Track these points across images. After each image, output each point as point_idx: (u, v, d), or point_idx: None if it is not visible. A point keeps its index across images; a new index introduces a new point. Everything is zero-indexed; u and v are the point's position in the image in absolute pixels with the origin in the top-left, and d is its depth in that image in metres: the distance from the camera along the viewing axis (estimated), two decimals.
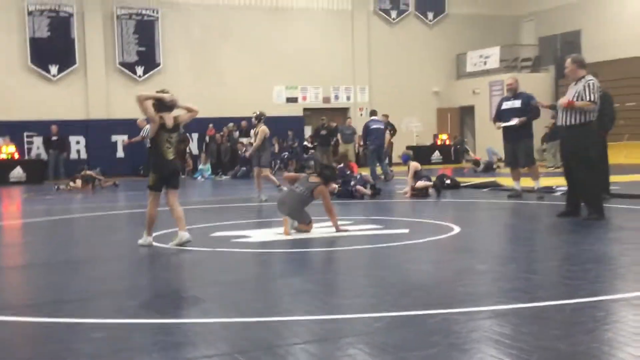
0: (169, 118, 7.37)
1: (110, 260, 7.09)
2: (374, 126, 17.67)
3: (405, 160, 13.92)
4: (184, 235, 7.38)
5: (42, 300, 5.13)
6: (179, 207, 7.55)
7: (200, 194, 17.18)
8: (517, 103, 11.71)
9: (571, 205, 8.84)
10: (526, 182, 12.04)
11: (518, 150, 11.65)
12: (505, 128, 11.76)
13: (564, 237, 7.73)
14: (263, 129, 13.06)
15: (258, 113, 13.38)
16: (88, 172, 19.24)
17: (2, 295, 5.58)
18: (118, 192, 18.02)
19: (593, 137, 8.54)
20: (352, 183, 13.15)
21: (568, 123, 8.54)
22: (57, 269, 6.54)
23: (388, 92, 27.78)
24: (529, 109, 11.66)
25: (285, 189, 12.49)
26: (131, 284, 5.71)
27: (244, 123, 22.95)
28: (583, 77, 8.58)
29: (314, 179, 8.51)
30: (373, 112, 18.64)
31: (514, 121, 11.54)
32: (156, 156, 7.44)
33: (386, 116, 20.78)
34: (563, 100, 8.53)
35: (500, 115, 11.94)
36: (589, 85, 8.43)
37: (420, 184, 13.05)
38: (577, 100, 8.42)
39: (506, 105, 11.90)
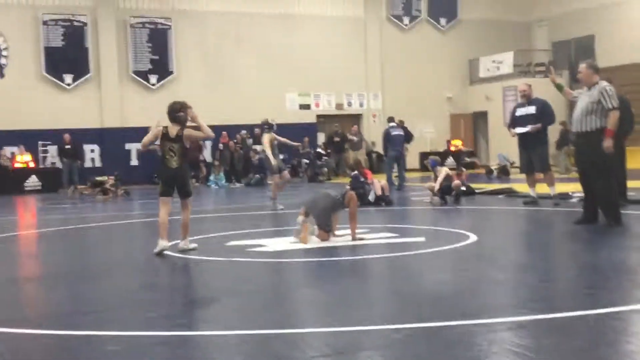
0: (172, 128, 7.74)
1: (126, 271, 7.09)
2: (395, 132, 17.65)
3: (434, 165, 13.83)
4: (181, 243, 7.81)
5: (59, 312, 5.12)
6: (184, 216, 7.85)
7: (215, 202, 17.19)
8: (531, 109, 11.65)
9: (588, 212, 8.75)
10: (542, 189, 11.95)
11: (533, 157, 11.58)
12: (520, 135, 11.70)
13: (582, 245, 7.66)
14: (265, 137, 13.05)
15: (261, 122, 13.43)
16: (111, 180, 19.35)
17: (18, 307, 5.58)
18: (134, 200, 18.07)
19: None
20: (369, 188, 13.17)
21: (584, 129, 8.46)
22: (73, 279, 6.54)
23: (401, 98, 27.73)
24: (544, 116, 11.61)
25: (277, 204, 12.50)
26: (148, 295, 5.69)
27: (257, 130, 22.97)
28: (597, 83, 8.51)
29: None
30: (391, 119, 18.54)
31: (527, 128, 11.48)
32: (160, 164, 7.92)
33: (401, 122, 20.75)
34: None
35: (515, 122, 11.87)
36: (606, 91, 8.35)
37: (456, 183, 12.99)
38: (594, 105, 8.35)
39: (520, 111, 11.84)
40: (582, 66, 8.71)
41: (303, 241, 8.07)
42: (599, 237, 7.91)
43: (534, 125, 11.46)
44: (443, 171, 13.24)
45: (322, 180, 23.21)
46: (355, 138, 25.43)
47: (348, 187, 8.49)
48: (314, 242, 8.14)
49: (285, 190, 13.60)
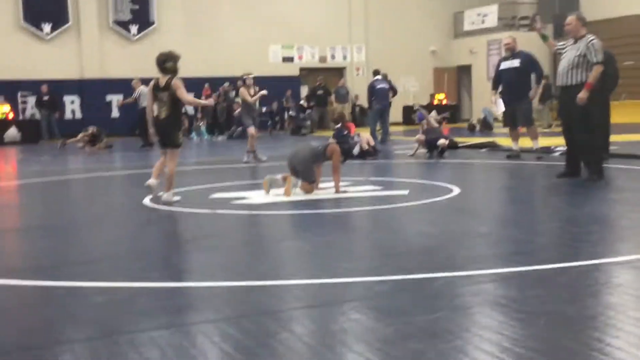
0: (162, 78, 7.82)
1: (110, 223, 7.06)
2: (380, 86, 17.48)
3: (421, 118, 13.86)
4: (164, 195, 7.81)
5: (42, 263, 5.09)
6: (169, 167, 7.88)
7: (198, 154, 17.09)
8: (515, 62, 11.63)
9: (571, 166, 8.79)
10: (524, 143, 11.99)
11: (517, 111, 11.59)
12: (504, 89, 11.73)
13: (565, 199, 7.71)
14: (241, 90, 13.29)
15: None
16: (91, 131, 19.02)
17: (1, 258, 5.54)
18: (115, 153, 17.93)
19: (595, 98, 8.43)
20: (354, 141, 13.15)
21: (569, 83, 8.44)
22: (56, 231, 6.50)
23: (385, 51, 27.52)
24: (530, 68, 11.63)
25: (253, 158, 12.57)
26: (132, 247, 5.67)
27: (239, 83, 22.77)
28: (584, 36, 8.46)
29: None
30: (377, 72, 18.27)
31: (500, 108, 11.74)
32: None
33: (385, 76, 20.61)
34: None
35: (500, 75, 11.86)
36: (592, 45, 8.31)
37: (442, 141, 13.03)
38: (580, 58, 8.31)
39: (505, 65, 11.82)
40: (571, 18, 8.64)
41: (286, 194, 8.06)
42: (582, 191, 7.96)
43: (535, 90, 11.65)
44: (431, 120, 13.31)
45: (304, 133, 23.12)
46: (343, 91, 25.27)
47: (331, 140, 8.44)
48: (298, 195, 8.13)
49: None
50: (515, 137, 11.96)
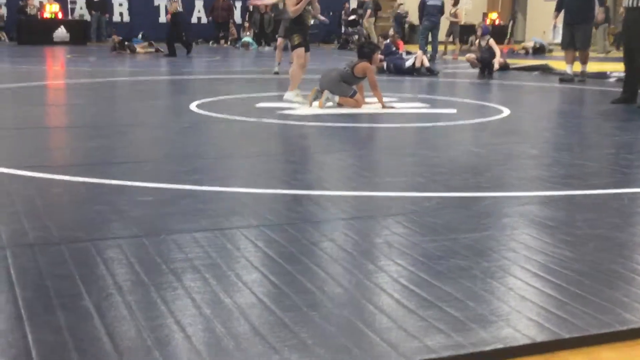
0: None
1: (158, 125, 7.08)
2: (431, 2, 16.99)
3: (486, 32, 13.53)
4: (286, 94, 8.49)
5: (89, 161, 5.14)
6: (292, 67, 8.75)
7: (243, 64, 16.98)
8: None
9: (627, 92, 8.51)
10: (576, 67, 11.66)
11: (577, 33, 11.20)
12: (566, 10, 11.32)
13: (619, 125, 7.48)
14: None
15: None
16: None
17: (49, 154, 5.61)
18: (163, 57, 17.91)
19: None
20: (404, 58, 13.03)
21: (635, 4, 8.07)
22: (104, 131, 6.54)
23: None
24: None
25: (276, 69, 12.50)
26: (180, 151, 5.67)
27: None
28: None
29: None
30: None
31: (557, 36, 11.37)
32: (301, 22, 8.61)
33: None
34: None
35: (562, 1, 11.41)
36: None
37: (502, 61, 12.77)
38: None
39: None
40: None
41: (319, 105, 8.01)
42: (637, 117, 7.71)
43: (600, 12, 11.31)
44: (493, 43, 12.97)
45: (352, 48, 22.75)
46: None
47: (356, 60, 8.26)
48: (345, 108, 8.04)
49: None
50: (570, 60, 11.60)
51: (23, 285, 2.65)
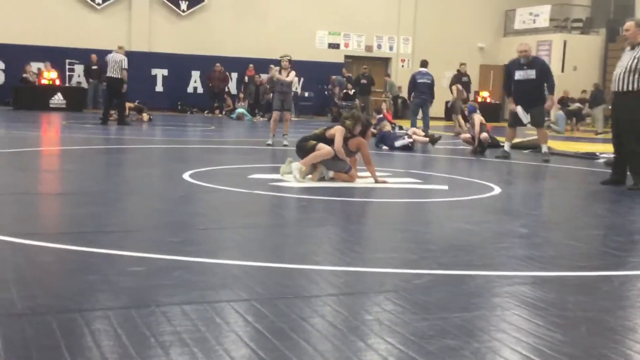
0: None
1: (150, 194, 7.10)
2: (421, 80, 17.04)
3: (472, 110, 13.77)
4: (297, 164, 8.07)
5: (80, 229, 5.13)
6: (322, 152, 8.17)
7: (237, 134, 17.14)
8: (531, 74, 11.50)
9: (617, 173, 8.62)
10: (564, 146, 11.90)
11: (532, 112, 11.73)
12: (519, 93, 11.62)
13: (608, 206, 7.55)
14: (273, 71, 13.46)
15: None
16: (136, 105, 19.45)
17: (39, 221, 5.60)
18: (158, 126, 18.06)
19: None
20: (405, 132, 13.40)
21: (625, 89, 8.26)
22: (96, 199, 6.54)
23: (432, 44, 27.28)
24: (545, 79, 11.62)
25: (269, 142, 12.59)
26: (170, 220, 5.68)
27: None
28: None
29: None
30: (424, 63, 17.61)
31: (527, 118, 11.76)
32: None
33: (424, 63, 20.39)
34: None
35: (515, 86, 11.69)
36: None
37: (485, 136, 12.91)
38: (636, 64, 8.14)
39: (519, 75, 11.60)
40: (630, 24, 8.47)
41: (312, 179, 8.06)
42: (626, 199, 7.79)
43: (550, 100, 12.00)
44: (477, 119, 13.11)
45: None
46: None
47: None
48: (337, 182, 8.09)
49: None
50: (510, 137, 12.13)
51: (9, 356, 2.61)
